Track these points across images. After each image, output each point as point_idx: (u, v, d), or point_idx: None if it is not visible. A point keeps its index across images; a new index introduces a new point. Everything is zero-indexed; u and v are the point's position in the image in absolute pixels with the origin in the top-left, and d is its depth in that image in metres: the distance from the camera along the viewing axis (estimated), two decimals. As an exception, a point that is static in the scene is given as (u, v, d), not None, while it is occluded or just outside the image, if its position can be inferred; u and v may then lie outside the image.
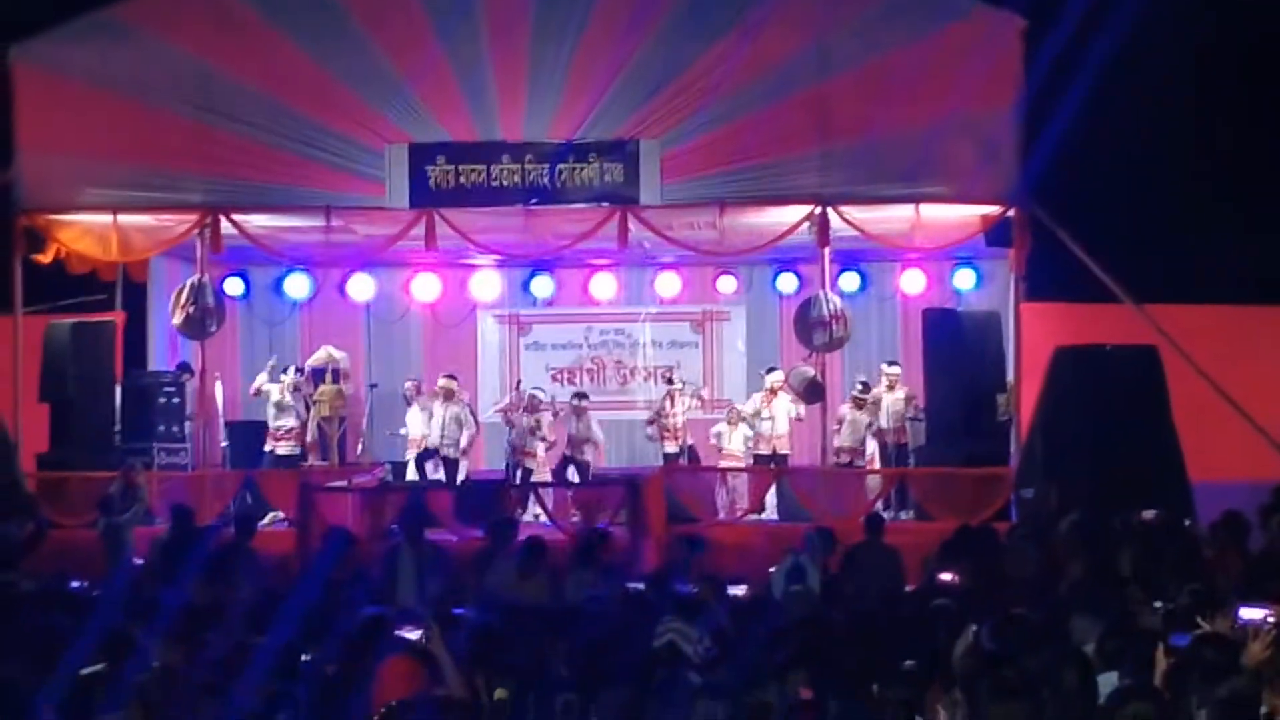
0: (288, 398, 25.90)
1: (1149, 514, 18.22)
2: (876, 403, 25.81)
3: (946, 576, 15.86)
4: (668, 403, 26.58)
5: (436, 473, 26.09)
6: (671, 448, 26.38)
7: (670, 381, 27.15)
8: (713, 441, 26.54)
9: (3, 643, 11.00)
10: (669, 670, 10.28)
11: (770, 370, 26.30)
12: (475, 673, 9.95)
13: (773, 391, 25.81)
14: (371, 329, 28.83)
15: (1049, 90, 23.19)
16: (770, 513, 24.38)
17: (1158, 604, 12.25)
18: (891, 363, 26.31)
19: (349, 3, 23.46)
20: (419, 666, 9.53)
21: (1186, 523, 18.68)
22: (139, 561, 19.84)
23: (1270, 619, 9.86)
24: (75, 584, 15.78)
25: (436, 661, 9.75)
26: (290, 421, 25.96)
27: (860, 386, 25.87)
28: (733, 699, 8.23)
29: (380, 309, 28.40)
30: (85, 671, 6.77)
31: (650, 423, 26.63)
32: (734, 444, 26.15)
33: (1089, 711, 8.37)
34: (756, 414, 25.91)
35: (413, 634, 9.98)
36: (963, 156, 23.17)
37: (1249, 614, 10.03)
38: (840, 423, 25.68)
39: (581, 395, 26.80)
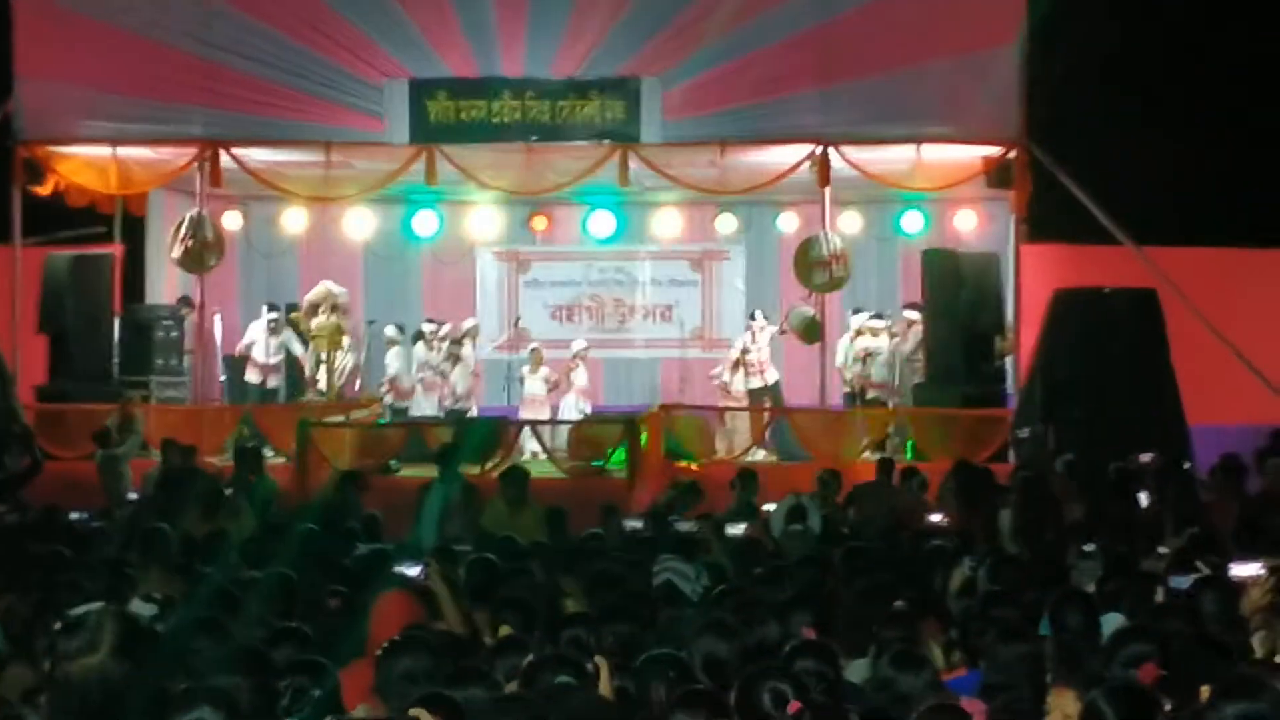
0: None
1: (1147, 457, 18.24)
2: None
3: (937, 518, 15.93)
4: (749, 338, 26.45)
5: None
6: (757, 383, 26.26)
7: (753, 317, 26.74)
8: (716, 382, 26.57)
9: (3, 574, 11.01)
10: (672, 608, 10.29)
11: (857, 311, 26.28)
12: (476, 609, 9.96)
13: (859, 332, 25.83)
14: (370, 265, 28.79)
15: (1052, 30, 23.14)
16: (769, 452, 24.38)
17: (1161, 549, 12.28)
18: (910, 305, 26.04)
19: (350, -65, 23.45)
20: (416, 602, 9.51)
21: (1185, 466, 18.69)
22: (133, 495, 19.86)
23: (1263, 570, 9.90)
24: (75, 515, 15.78)
25: (435, 597, 9.73)
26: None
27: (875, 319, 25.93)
28: (736, 636, 8.23)
29: (379, 245, 28.33)
30: (77, 611, 6.69)
31: (736, 364, 26.42)
32: (737, 384, 26.16)
33: (1091, 652, 8.39)
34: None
35: (412, 570, 9.97)
36: (964, 96, 23.12)
37: (1241, 569, 10.06)
38: (867, 356, 25.70)
39: (457, 342, 26.80)
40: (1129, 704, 6.64)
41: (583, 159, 23.89)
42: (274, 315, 26.43)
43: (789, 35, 23.20)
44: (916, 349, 25.51)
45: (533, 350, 26.66)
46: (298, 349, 26.66)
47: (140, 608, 9.95)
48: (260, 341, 26.37)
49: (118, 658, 6.22)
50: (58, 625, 6.45)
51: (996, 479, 17.89)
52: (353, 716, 7.59)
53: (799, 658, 7.64)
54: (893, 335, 25.99)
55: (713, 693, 7.19)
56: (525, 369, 26.47)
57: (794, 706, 6.83)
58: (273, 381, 26.51)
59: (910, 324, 25.83)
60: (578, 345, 26.96)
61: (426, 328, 26.79)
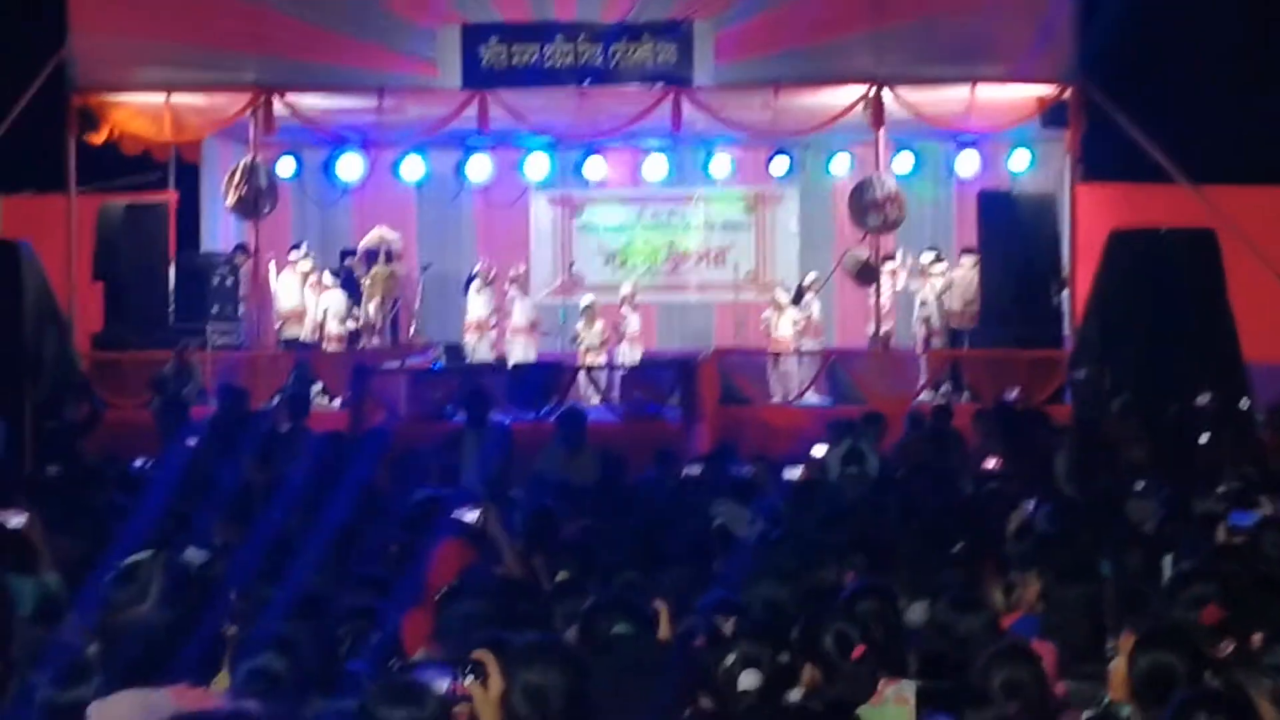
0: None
1: (1204, 397, 18.15)
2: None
3: (991, 464, 15.84)
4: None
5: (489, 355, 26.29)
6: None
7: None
8: (762, 328, 26.44)
9: (64, 522, 11.03)
10: (728, 552, 10.28)
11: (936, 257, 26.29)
12: (532, 554, 9.96)
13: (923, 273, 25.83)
14: (423, 210, 28.82)
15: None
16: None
17: (1220, 489, 12.18)
18: (967, 250, 25.83)
19: (403, -121, 23.41)
20: (472, 549, 9.53)
21: (1242, 405, 18.59)
22: (191, 443, 19.89)
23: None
24: (137, 463, 15.82)
25: (492, 542, 9.74)
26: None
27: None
28: (794, 580, 8.22)
29: (432, 190, 28.34)
30: (127, 560, 6.67)
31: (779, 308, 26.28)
32: (782, 329, 26.03)
33: (1152, 593, 8.35)
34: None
35: (470, 515, 9.95)
36: (1018, 35, 22.95)
37: (1241, 520, 10.04)
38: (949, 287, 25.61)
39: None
40: (1178, 645, 6.63)
41: (635, 102, 23.84)
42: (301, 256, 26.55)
43: (841, -25, 23.14)
44: (947, 289, 25.49)
45: (586, 308, 26.35)
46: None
47: (192, 555, 9.95)
48: (282, 290, 26.41)
49: (166, 606, 6.22)
50: (109, 575, 6.46)
51: (1045, 419, 17.82)
52: (413, 661, 7.61)
53: (859, 600, 7.62)
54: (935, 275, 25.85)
55: (774, 627, 7.19)
56: (580, 324, 26.16)
57: (858, 651, 6.84)
58: (291, 330, 26.51)
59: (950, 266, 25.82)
60: (625, 289, 26.88)
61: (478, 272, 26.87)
